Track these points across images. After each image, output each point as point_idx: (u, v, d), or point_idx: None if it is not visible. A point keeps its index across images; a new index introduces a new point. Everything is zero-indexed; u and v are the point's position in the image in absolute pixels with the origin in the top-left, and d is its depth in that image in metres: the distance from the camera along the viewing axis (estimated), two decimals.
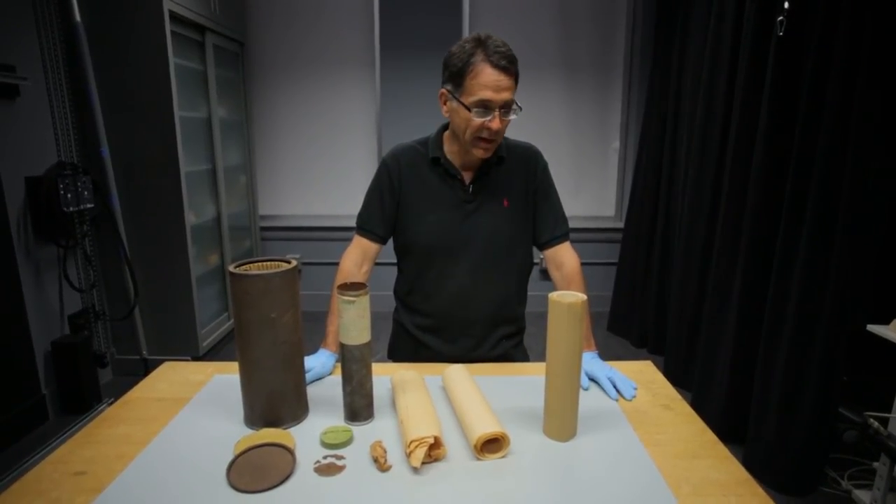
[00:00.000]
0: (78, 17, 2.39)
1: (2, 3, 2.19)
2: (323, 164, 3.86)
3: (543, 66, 3.71)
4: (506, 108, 1.13)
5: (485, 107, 1.12)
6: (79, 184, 2.42)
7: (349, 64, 3.71)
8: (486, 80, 1.10)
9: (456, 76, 1.14)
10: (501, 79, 1.10)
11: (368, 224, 1.31)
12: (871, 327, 1.70)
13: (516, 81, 1.15)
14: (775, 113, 2.05)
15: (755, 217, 2.15)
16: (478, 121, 1.13)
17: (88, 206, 2.48)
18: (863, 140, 1.72)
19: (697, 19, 2.72)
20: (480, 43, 1.11)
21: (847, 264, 1.77)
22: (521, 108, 1.16)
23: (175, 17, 2.61)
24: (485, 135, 1.15)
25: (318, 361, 1.15)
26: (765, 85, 2.08)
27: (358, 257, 1.29)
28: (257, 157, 3.80)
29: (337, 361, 1.19)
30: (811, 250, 1.86)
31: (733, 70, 2.35)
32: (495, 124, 1.13)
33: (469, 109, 1.12)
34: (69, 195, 2.37)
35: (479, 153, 1.19)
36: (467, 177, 1.27)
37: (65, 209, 2.35)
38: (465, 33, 3.53)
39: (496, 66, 1.09)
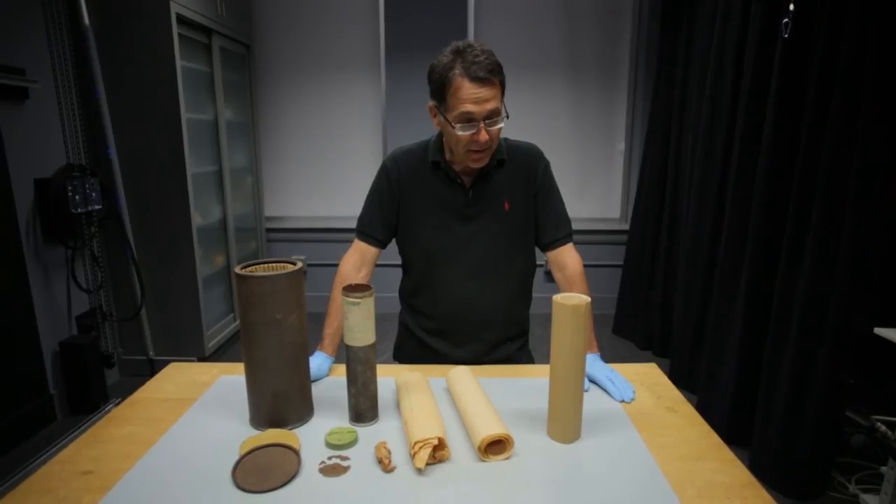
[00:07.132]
0: (87, 21, 2.41)
1: (12, 7, 2.21)
2: (328, 165, 3.88)
3: (548, 67, 3.71)
4: (490, 118, 1.10)
5: (468, 120, 1.10)
6: (87, 185, 2.44)
7: (354, 65, 3.72)
8: (466, 94, 1.07)
9: (438, 92, 1.12)
10: (481, 91, 1.07)
11: (368, 228, 1.30)
12: (879, 330, 1.69)
13: (502, 88, 1.13)
14: (781, 115, 2.04)
15: (761, 219, 2.15)
16: (465, 135, 1.11)
17: (96, 207, 2.50)
18: (869, 142, 1.71)
19: (703, 20, 2.71)
20: (458, 54, 1.09)
21: (853, 267, 1.76)
22: (507, 116, 1.13)
23: (182, 20, 2.63)
24: (474, 147, 1.13)
25: (314, 364, 1.14)
26: (770, 87, 2.08)
27: (357, 261, 1.28)
28: (263, 159, 3.81)
29: (333, 364, 1.20)
30: (817, 253, 1.85)
31: (739, 72, 2.35)
32: (482, 136, 1.10)
33: (453, 126, 1.11)
34: (77, 197, 2.39)
35: (475, 165, 1.17)
36: (468, 181, 1.25)
37: (73, 210, 2.37)
38: (471, 34, 3.53)
39: (474, 78, 1.06)
